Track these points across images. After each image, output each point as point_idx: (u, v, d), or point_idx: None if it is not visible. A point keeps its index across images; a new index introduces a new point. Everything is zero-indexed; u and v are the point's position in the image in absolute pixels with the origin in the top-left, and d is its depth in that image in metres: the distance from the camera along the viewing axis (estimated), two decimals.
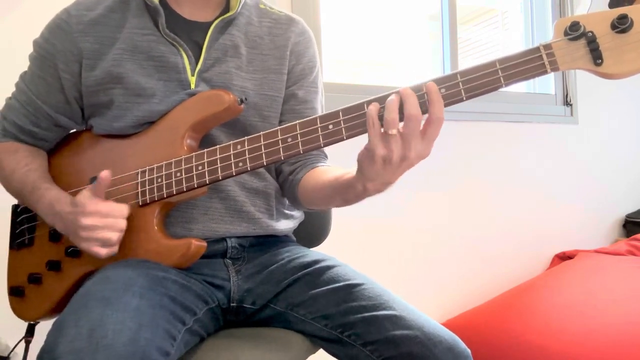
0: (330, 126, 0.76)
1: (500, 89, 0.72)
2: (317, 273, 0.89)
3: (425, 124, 0.71)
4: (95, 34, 0.89)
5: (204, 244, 0.84)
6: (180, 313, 0.75)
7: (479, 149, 2.20)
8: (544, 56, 0.70)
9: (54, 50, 0.90)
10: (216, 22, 0.91)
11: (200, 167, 0.82)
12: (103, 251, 0.79)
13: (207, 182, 0.82)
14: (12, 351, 1.11)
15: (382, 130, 0.70)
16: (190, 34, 0.91)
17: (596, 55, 0.69)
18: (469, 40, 2.51)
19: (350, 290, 0.84)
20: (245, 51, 0.94)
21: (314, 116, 0.77)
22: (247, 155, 0.80)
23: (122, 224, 0.81)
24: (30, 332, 0.97)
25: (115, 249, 0.81)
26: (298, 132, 0.77)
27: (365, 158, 0.73)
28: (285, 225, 0.99)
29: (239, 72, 0.92)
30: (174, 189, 0.83)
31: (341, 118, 0.75)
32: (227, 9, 0.95)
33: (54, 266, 0.89)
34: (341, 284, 0.85)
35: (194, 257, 0.84)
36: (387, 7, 2.20)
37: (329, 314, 0.83)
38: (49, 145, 0.97)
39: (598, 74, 0.70)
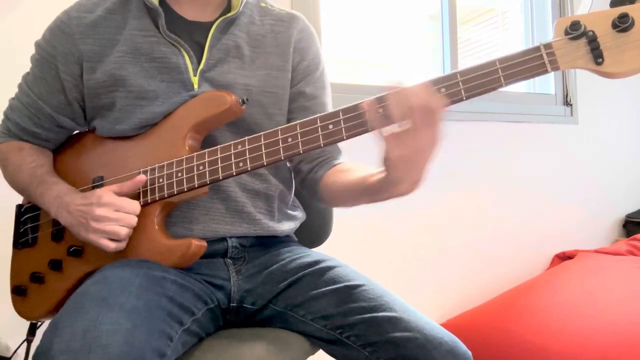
0: (330, 126, 0.76)
1: (500, 89, 0.72)
2: (318, 273, 0.89)
3: (432, 112, 0.69)
4: (96, 36, 0.89)
5: (204, 243, 0.84)
6: (178, 313, 0.75)
7: (479, 149, 2.20)
8: (544, 55, 0.70)
9: (55, 52, 0.90)
10: (218, 22, 0.91)
11: (201, 167, 0.82)
12: (111, 245, 0.80)
13: (208, 182, 0.82)
14: (14, 353, 1.11)
15: (391, 129, 0.70)
16: (192, 34, 0.91)
17: (597, 54, 0.68)
18: (469, 40, 2.51)
19: (351, 291, 0.84)
20: (248, 51, 0.93)
21: (313, 116, 0.77)
22: (247, 155, 0.80)
23: (133, 220, 0.81)
24: (32, 332, 0.97)
25: (123, 244, 0.81)
26: (298, 131, 0.77)
27: (386, 164, 0.72)
28: (286, 226, 0.99)
29: (241, 72, 0.92)
30: (175, 189, 0.83)
31: (341, 118, 0.75)
32: (228, 8, 0.95)
33: (56, 265, 0.89)
34: (341, 284, 0.85)
35: (194, 257, 0.84)
36: (387, 7, 2.20)
37: (329, 314, 0.83)
38: (52, 146, 0.98)
39: (599, 73, 0.70)
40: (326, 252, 0.98)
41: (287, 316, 0.87)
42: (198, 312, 0.80)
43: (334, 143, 0.77)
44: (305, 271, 0.89)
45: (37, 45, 0.92)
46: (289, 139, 0.78)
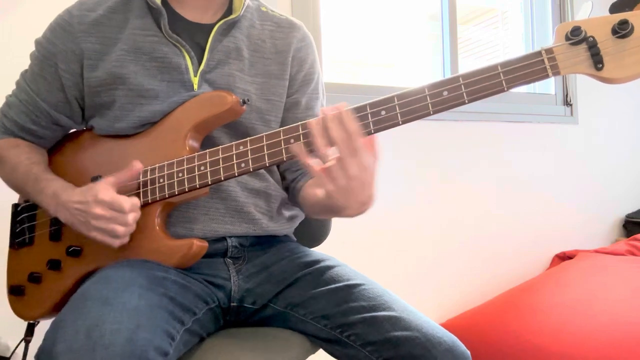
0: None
1: None
2: (318, 273, 0.89)
3: (350, 139, 0.72)
4: (97, 34, 0.89)
5: (206, 244, 0.84)
6: (179, 313, 0.75)
7: (479, 149, 2.21)
8: (546, 60, 0.71)
9: (55, 50, 0.90)
10: (219, 24, 0.92)
11: (202, 168, 0.82)
12: (116, 242, 0.80)
13: (209, 183, 0.82)
14: (13, 352, 1.11)
15: (319, 163, 0.72)
16: (193, 35, 0.92)
17: (597, 60, 0.69)
18: (469, 40, 2.51)
19: (350, 291, 0.84)
20: (248, 54, 0.94)
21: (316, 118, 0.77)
22: (249, 156, 0.80)
23: (129, 217, 0.79)
24: (30, 332, 0.97)
25: (125, 239, 0.81)
26: (300, 132, 0.78)
27: (325, 195, 0.75)
28: (285, 226, 0.99)
29: (241, 75, 0.92)
30: (176, 189, 0.83)
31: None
32: (229, 11, 0.96)
33: (55, 265, 0.89)
34: (341, 284, 0.86)
35: (195, 257, 0.84)
36: (387, 7, 2.20)
37: (329, 314, 0.83)
38: (48, 144, 0.98)
39: (599, 79, 0.71)
40: (325, 251, 0.98)
41: (287, 316, 0.88)
42: (199, 311, 0.81)
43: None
44: (305, 271, 0.90)
45: (38, 42, 0.93)
46: (292, 140, 0.78)
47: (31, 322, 0.96)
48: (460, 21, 2.28)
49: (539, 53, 0.71)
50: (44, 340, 0.65)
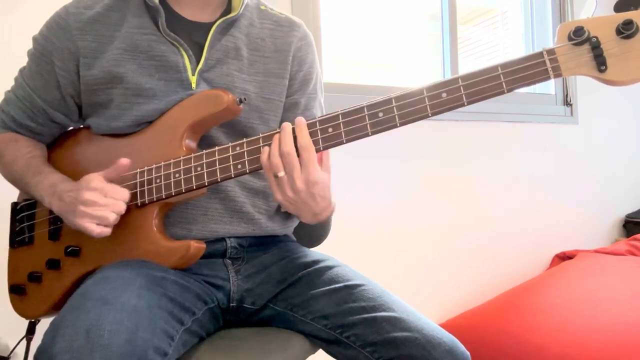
0: (330, 129, 0.76)
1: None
2: (317, 273, 0.89)
3: (299, 153, 0.75)
4: (94, 32, 0.89)
5: (203, 245, 0.84)
6: (178, 313, 0.75)
7: (479, 149, 2.20)
8: (547, 62, 0.69)
9: (52, 48, 0.90)
10: (218, 22, 0.91)
11: (199, 169, 0.82)
12: (97, 229, 0.78)
13: (206, 184, 0.82)
14: (12, 351, 1.11)
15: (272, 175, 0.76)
16: (191, 34, 0.91)
17: (600, 61, 0.67)
18: (469, 40, 2.51)
19: (350, 291, 0.84)
20: (247, 53, 0.93)
21: (313, 119, 0.77)
22: (245, 158, 0.80)
23: (122, 206, 0.80)
24: (31, 331, 0.97)
25: (108, 230, 0.80)
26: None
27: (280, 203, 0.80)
28: (284, 226, 0.99)
29: (240, 74, 0.92)
30: (173, 190, 0.83)
31: (341, 121, 0.75)
32: (228, 10, 0.95)
33: (54, 265, 0.89)
34: (341, 284, 0.85)
35: (193, 258, 0.84)
36: (387, 7, 2.20)
37: (329, 314, 0.83)
38: (46, 140, 0.98)
39: (602, 81, 0.69)
40: (325, 251, 0.98)
41: (287, 316, 0.87)
42: (198, 312, 0.80)
43: (334, 147, 0.77)
44: (305, 271, 0.89)
45: (35, 39, 0.92)
46: None
47: (32, 320, 0.96)
48: (460, 21, 2.27)
49: (540, 54, 0.70)
50: (43, 339, 0.64)
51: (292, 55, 0.97)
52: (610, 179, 2.69)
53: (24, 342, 0.97)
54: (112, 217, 0.79)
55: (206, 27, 0.91)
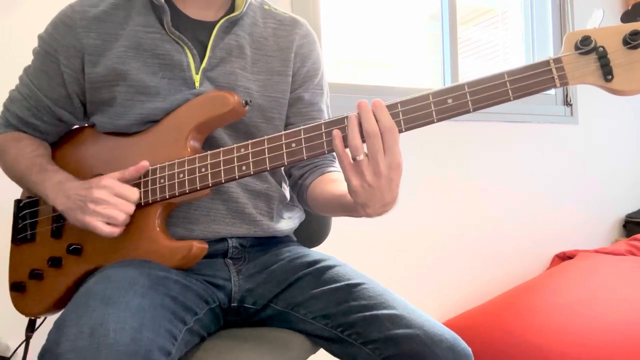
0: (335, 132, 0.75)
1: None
2: (318, 273, 0.89)
3: (382, 137, 0.71)
4: (99, 30, 0.89)
5: (206, 246, 0.84)
6: (181, 313, 0.75)
7: (479, 149, 2.21)
8: (554, 70, 0.69)
9: (57, 45, 0.90)
10: (221, 21, 0.91)
11: (203, 169, 0.82)
12: (106, 228, 0.78)
13: (210, 185, 0.82)
14: (14, 353, 1.11)
15: (350, 158, 0.72)
16: (195, 32, 0.91)
17: (607, 70, 0.68)
18: (469, 40, 2.51)
19: (351, 290, 0.84)
20: (250, 52, 0.94)
21: (318, 122, 0.77)
22: (250, 159, 0.80)
23: (131, 207, 0.80)
24: (31, 328, 0.97)
25: (117, 230, 0.80)
26: (302, 137, 0.77)
27: (349, 191, 0.74)
28: (285, 226, 0.99)
29: (243, 73, 0.92)
30: (177, 190, 0.83)
31: (346, 124, 0.74)
32: (232, 8, 0.96)
33: (55, 263, 0.89)
34: (342, 283, 0.85)
35: (196, 259, 0.84)
36: (387, 7, 2.20)
37: (330, 313, 0.83)
38: (51, 139, 0.98)
39: (608, 90, 0.69)
40: (325, 251, 0.98)
41: (288, 316, 0.88)
42: (200, 312, 0.81)
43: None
44: (305, 270, 0.90)
45: (40, 38, 0.93)
46: (293, 144, 0.77)
47: (32, 318, 0.96)
48: (460, 21, 2.28)
49: (547, 62, 0.70)
50: (47, 339, 0.64)
51: (294, 52, 0.97)
52: (610, 179, 2.70)
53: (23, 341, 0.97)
54: (122, 217, 0.79)
55: (210, 25, 0.92)
